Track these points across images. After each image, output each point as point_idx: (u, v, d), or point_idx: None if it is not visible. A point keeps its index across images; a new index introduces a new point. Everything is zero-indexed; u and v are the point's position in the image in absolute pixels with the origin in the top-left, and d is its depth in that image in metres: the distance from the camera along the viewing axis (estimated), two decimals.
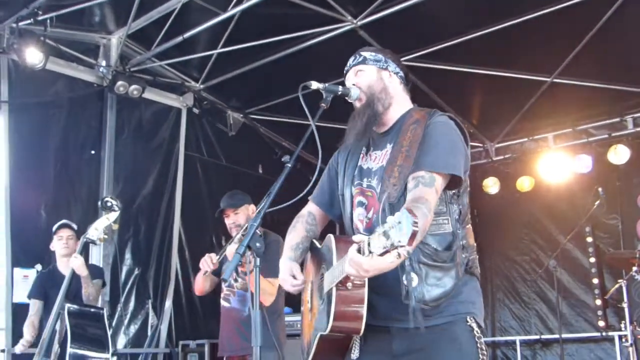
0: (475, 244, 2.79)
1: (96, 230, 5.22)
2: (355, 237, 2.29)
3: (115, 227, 5.36)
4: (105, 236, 5.31)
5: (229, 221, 5.12)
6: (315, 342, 2.74)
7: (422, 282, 2.56)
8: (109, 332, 5.30)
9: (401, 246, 2.00)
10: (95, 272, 5.65)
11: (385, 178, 2.67)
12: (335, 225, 3.33)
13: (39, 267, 6.50)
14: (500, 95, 7.63)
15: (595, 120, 8.11)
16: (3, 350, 6.15)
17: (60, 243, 5.58)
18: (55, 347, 5.05)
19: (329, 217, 3.12)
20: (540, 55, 6.82)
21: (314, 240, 3.03)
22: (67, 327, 4.94)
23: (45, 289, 5.51)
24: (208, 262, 4.94)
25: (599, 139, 8.12)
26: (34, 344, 5.33)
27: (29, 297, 5.65)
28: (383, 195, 2.62)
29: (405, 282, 2.52)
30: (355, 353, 2.77)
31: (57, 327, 5.07)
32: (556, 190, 8.37)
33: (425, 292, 2.56)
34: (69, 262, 5.26)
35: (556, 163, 8.27)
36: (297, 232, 3.02)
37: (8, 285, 6.33)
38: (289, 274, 2.85)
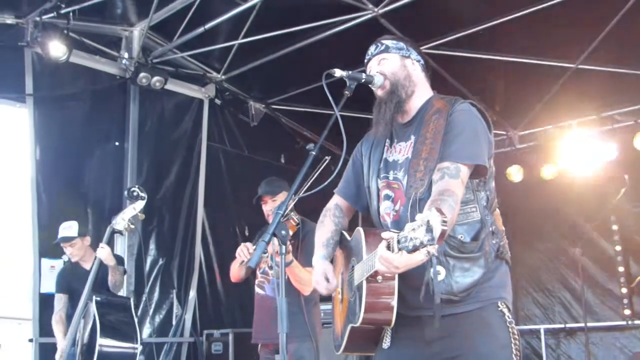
0: (504, 229, 2.79)
1: (123, 220, 5.26)
2: (384, 234, 2.30)
3: (142, 217, 5.38)
4: (132, 226, 5.34)
5: (266, 208, 5.12)
6: (347, 333, 2.79)
7: (449, 275, 2.59)
8: (137, 322, 5.34)
9: (431, 245, 2.02)
10: (117, 259, 5.72)
11: (411, 172, 2.68)
12: (358, 215, 3.34)
13: (65, 257, 6.56)
14: (524, 82, 7.56)
15: (620, 106, 8.01)
16: (31, 340, 6.22)
17: (68, 254, 5.64)
18: (79, 336, 5.10)
19: (355, 209, 3.13)
20: (564, 41, 6.73)
21: (343, 232, 3.05)
22: (96, 318, 4.99)
23: (68, 282, 5.57)
24: (245, 251, 4.96)
25: (624, 126, 8.02)
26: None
27: (56, 292, 5.71)
28: (410, 190, 2.63)
29: (431, 276, 2.50)
30: (386, 343, 2.81)
31: (84, 317, 5.14)
32: (581, 178, 8.28)
33: (453, 283, 2.60)
34: (96, 253, 5.29)
35: (581, 150, 8.19)
36: (326, 227, 3.05)
37: (35, 276, 6.40)
38: (323, 276, 2.88)
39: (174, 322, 7.62)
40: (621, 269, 8.01)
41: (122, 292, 5.82)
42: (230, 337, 7.23)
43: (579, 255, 7.61)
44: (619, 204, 7.66)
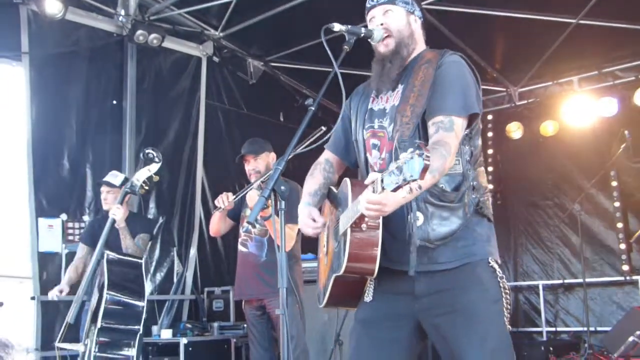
0: (487, 186, 2.81)
1: (137, 181, 5.29)
2: (368, 178, 2.31)
3: (156, 178, 5.40)
4: (147, 187, 5.36)
5: (248, 167, 5.21)
6: (331, 284, 2.80)
7: (427, 221, 2.62)
8: (146, 282, 5.39)
9: (413, 180, 2.03)
10: (143, 224, 5.76)
11: (397, 117, 2.70)
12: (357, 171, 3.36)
13: (64, 216, 6.61)
14: (524, 38, 7.51)
15: (621, 62, 8.00)
16: (33, 298, 6.29)
17: (103, 198, 5.68)
18: (95, 291, 5.18)
19: (345, 164, 3.14)
20: None
21: (332, 187, 3.07)
22: (105, 274, 5.04)
23: (93, 236, 5.58)
24: (224, 198, 5.05)
25: (625, 82, 8.02)
26: (70, 293, 5.45)
27: (80, 241, 5.83)
28: (395, 134, 2.64)
29: (410, 221, 2.57)
30: (368, 296, 2.84)
31: (98, 272, 5.21)
32: (581, 135, 8.30)
33: (430, 230, 2.63)
34: (110, 212, 5.34)
35: (581, 107, 8.18)
36: (315, 179, 3.06)
37: (33, 235, 6.41)
38: (309, 217, 2.88)
39: (175, 280, 7.67)
40: (620, 225, 8.07)
41: (142, 255, 5.88)
42: (231, 294, 7.29)
43: (578, 212, 7.65)
44: (618, 160, 7.68)
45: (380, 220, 2.57)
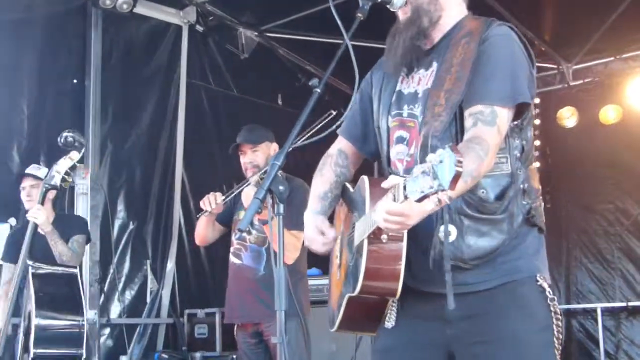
0: (540, 188, 2.76)
1: (58, 173, 5.26)
2: (386, 182, 2.28)
3: (81, 167, 5.39)
4: (70, 179, 5.36)
5: (244, 159, 5.20)
6: (344, 304, 2.78)
7: (460, 237, 2.57)
8: (84, 295, 5.42)
9: (441, 190, 1.98)
10: (75, 225, 5.78)
11: (429, 105, 2.63)
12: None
13: (12, 221, 6.61)
14: (580, 5, 7.49)
15: None
16: None
17: (24, 195, 5.68)
18: (26, 308, 5.19)
19: (363, 155, 3.10)
20: None
21: (347, 185, 3.03)
22: (32, 292, 5.07)
23: (18, 249, 5.57)
24: (211, 199, 5.04)
25: None
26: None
27: (2, 261, 5.81)
28: (425, 127, 2.58)
29: (440, 237, 2.52)
30: (390, 321, 2.81)
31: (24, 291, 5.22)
32: None
33: (464, 247, 2.58)
34: (27, 215, 5.33)
35: None
36: (324, 178, 3.02)
37: None
38: (317, 231, 2.85)
39: (148, 300, 7.71)
40: None
41: (84, 262, 5.84)
42: (217, 317, 7.30)
43: None
44: None
45: (405, 231, 2.50)
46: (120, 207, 7.59)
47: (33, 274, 5.12)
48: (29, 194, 5.66)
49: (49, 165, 6.67)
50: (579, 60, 8.77)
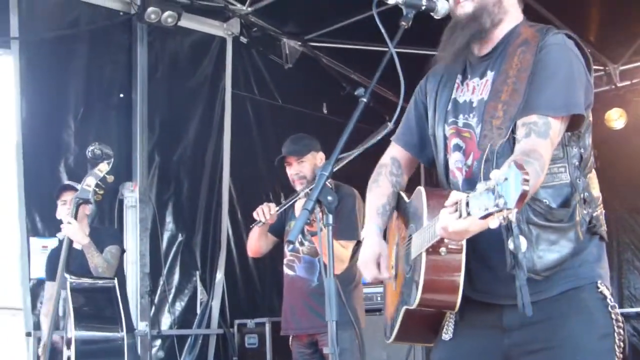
0: (600, 196, 2.71)
1: (88, 186, 5.24)
2: (450, 198, 2.25)
3: (111, 178, 5.39)
4: (101, 192, 5.36)
5: (291, 171, 5.16)
6: (400, 316, 2.76)
7: (531, 247, 2.52)
8: (122, 307, 5.40)
9: (507, 209, 1.96)
10: (109, 236, 5.78)
11: (486, 118, 2.61)
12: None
13: (61, 235, 6.67)
14: (625, 5, 7.39)
15: None
16: (29, 334, 6.37)
17: (64, 209, 5.66)
18: (67, 322, 5.21)
19: (417, 162, 3.08)
20: None
21: (401, 194, 3.00)
22: (70, 306, 5.07)
23: (57, 267, 5.59)
24: (265, 211, 5.00)
25: None
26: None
27: (46, 279, 5.85)
28: (485, 141, 2.57)
29: (511, 248, 2.42)
30: (448, 333, 2.79)
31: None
32: None
33: (535, 258, 2.53)
34: (63, 228, 5.34)
35: None
36: (381, 189, 2.99)
37: (24, 259, 6.50)
38: (374, 259, 2.82)
39: (198, 311, 7.73)
40: None
41: (134, 275, 5.86)
42: (267, 327, 7.32)
43: None
44: None
45: (464, 243, 2.51)
46: (169, 219, 7.64)
47: (71, 288, 5.11)
48: (70, 208, 5.69)
49: None
50: (625, 61, 8.67)
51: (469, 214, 2.12)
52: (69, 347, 5.06)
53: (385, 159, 3.07)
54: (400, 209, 2.99)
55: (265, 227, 5.20)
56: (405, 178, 3.06)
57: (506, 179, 1.95)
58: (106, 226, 6.95)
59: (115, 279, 5.41)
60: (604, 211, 2.73)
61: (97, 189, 5.26)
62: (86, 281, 5.29)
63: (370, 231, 2.88)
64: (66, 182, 5.82)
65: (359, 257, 2.89)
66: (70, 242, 5.30)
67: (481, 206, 2.03)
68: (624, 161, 8.72)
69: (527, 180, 1.91)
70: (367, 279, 2.89)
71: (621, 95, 8.79)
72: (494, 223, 2.04)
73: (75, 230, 5.28)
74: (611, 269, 8.04)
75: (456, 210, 2.19)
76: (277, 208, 5.07)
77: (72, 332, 5.00)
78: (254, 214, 5.09)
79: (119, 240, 5.87)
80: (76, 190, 5.56)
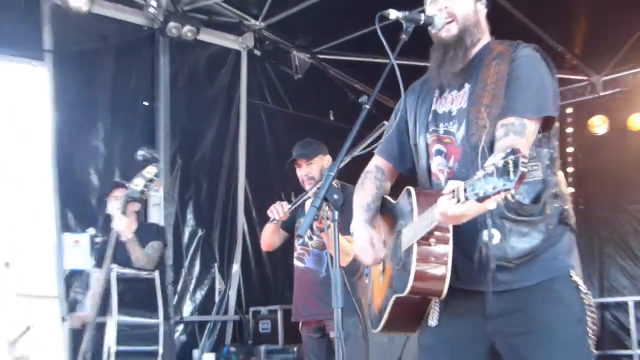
0: (568, 192, 2.79)
1: (136, 186, 5.28)
2: (448, 185, 2.28)
3: (158, 181, 5.42)
4: (148, 192, 5.37)
5: (300, 172, 5.18)
6: (390, 305, 2.78)
7: (504, 239, 2.60)
8: (161, 297, 5.41)
9: (506, 189, 2.00)
10: (152, 232, 5.81)
11: (472, 120, 2.68)
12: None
13: (91, 231, 6.68)
14: (609, 18, 7.33)
15: None
16: (64, 319, 6.38)
17: (117, 203, 5.64)
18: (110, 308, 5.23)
19: (398, 171, 3.13)
20: None
21: (386, 197, 3.04)
22: (114, 293, 5.11)
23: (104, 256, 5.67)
24: (279, 209, 5.00)
25: None
26: None
27: (93, 267, 5.91)
28: (473, 139, 2.65)
29: (485, 239, 2.54)
30: (434, 319, 2.81)
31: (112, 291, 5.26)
32: None
33: (508, 249, 2.61)
34: (112, 225, 5.37)
35: None
36: (367, 191, 3.04)
37: (58, 252, 6.54)
38: (369, 242, 2.85)
39: (217, 299, 7.76)
40: None
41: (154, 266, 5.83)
42: (279, 314, 7.35)
43: None
44: None
45: (451, 235, 2.55)
46: (190, 216, 7.66)
47: (117, 277, 5.17)
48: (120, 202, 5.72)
49: (125, 180, 6.78)
50: (607, 72, 8.65)
51: (466, 198, 2.15)
52: (110, 330, 5.11)
53: (370, 166, 3.13)
54: (385, 210, 3.02)
55: (278, 224, 5.21)
56: (388, 184, 3.11)
57: (505, 163, 2.00)
58: (152, 223, 7.05)
59: (157, 271, 5.47)
60: (572, 206, 2.82)
61: (145, 189, 5.29)
62: (130, 271, 5.34)
63: (358, 223, 2.95)
64: (117, 179, 5.83)
65: (354, 247, 2.92)
66: (118, 235, 5.35)
67: (480, 190, 2.07)
68: (606, 164, 8.70)
69: (525, 162, 1.98)
70: (366, 262, 2.92)
71: (604, 104, 8.77)
72: (492, 204, 2.10)
73: (122, 226, 5.33)
74: (593, 263, 8.03)
75: (454, 197, 2.22)
76: (289, 206, 5.05)
77: (115, 317, 5.06)
78: (268, 212, 5.09)
79: (160, 237, 5.90)
80: (126, 187, 5.60)
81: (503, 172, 2.00)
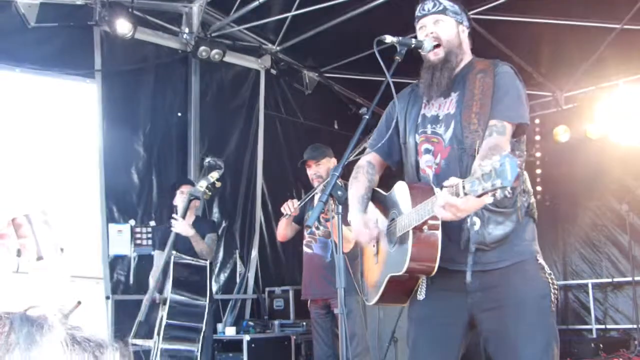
0: (532, 189, 2.83)
1: (201, 187, 5.29)
2: (447, 182, 2.30)
3: (219, 184, 5.44)
4: (210, 192, 5.39)
5: (310, 172, 5.20)
6: (385, 282, 2.79)
7: (483, 226, 2.63)
8: (209, 283, 5.43)
9: (503, 187, 2.03)
10: (208, 226, 5.79)
11: (464, 125, 2.69)
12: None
13: (132, 222, 6.74)
14: (569, 44, 7.35)
15: None
16: (108, 297, 6.42)
17: (182, 197, 5.69)
18: (167, 288, 5.26)
19: (386, 165, 3.12)
20: (609, 2, 6.53)
21: (377, 189, 3.04)
22: (171, 275, 5.12)
23: (166, 240, 5.69)
24: (290, 206, 5.04)
25: None
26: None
27: (155, 249, 5.93)
28: (467, 141, 2.66)
29: (468, 226, 2.57)
30: (421, 294, 2.83)
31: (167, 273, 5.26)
32: (627, 137, 8.09)
33: (486, 234, 2.64)
34: (174, 225, 5.33)
35: (627, 110, 7.97)
36: (360, 184, 3.03)
37: (104, 239, 6.59)
38: (364, 225, 2.85)
39: (238, 280, 7.74)
40: None
41: (212, 254, 5.86)
42: (291, 293, 7.33)
43: (626, 212, 7.46)
44: None
45: (440, 223, 2.56)
46: (215, 209, 7.64)
47: (175, 262, 5.17)
48: (185, 196, 5.74)
49: (160, 179, 6.86)
50: (569, 89, 8.61)
51: (465, 194, 2.18)
52: (164, 305, 5.13)
53: (362, 161, 3.10)
54: (376, 200, 3.01)
55: (290, 219, 5.23)
56: (377, 177, 3.10)
57: (502, 164, 2.02)
58: (206, 217, 7.02)
59: (209, 261, 5.46)
60: (534, 200, 2.85)
61: (207, 190, 5.30)
62: (187, 259, 5.32)
63: (355, 213, 2.93)
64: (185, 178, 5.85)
65: (352, 231, 2.91)
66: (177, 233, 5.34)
67: (478, 187, 2.09)
68: (568, 167, 8.65)
69: (520, 164, 2.03)
70: (364, 242, 2.93)
71: (565, 116, 8.71)
72: (489, 199, 2.15)
73: (182, 227, 5.30)
74: (557, 251, 8.01)
75: (453, 193, 2.25)
76: (299, 202, 5.09)
77: (169, 295, 5.07)
78: (282, 209, 5.12)
79: (215, 229, 5.92)
80: (192, 184, 5.71)
81: (500, 172, 2.02)
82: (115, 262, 6.64)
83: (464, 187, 2.19)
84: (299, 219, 5.34)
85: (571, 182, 8.66)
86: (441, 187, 2.33)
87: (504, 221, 2.66)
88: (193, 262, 5.35)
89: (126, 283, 6.59)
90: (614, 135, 8.21)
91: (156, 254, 5.87)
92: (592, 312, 8.33)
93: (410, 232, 2.59)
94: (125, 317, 6.25)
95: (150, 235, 6.76)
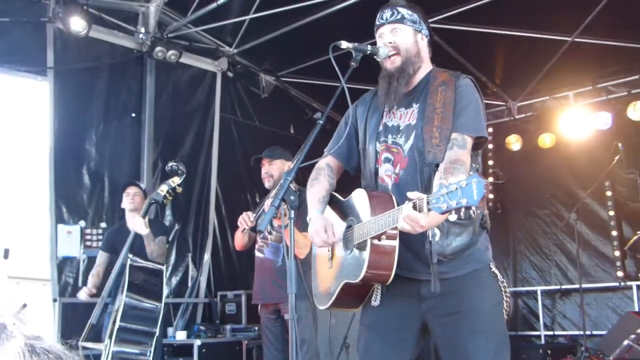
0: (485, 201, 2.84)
1: (162, 192, 5.26)
2: (411, 194, 2.31)
3: (180, 190, 5.38)
4: (170, 197, 5.33)
5: (263, 170, 5.19)
6: (339, 289, 2.79)
7: (443, 237, 2.64)
8: (164, 287, 5.37)
9: (468, 207, 2.04)
10: (159, 229, 5.72)
11: (426, 138, 2.69)
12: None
13: (82, 223, 6.63)
14: (523, 55, 7.51)
15: (614, 78, 7.96)
16: (55, 300, 6.30)
17: (127, 199, 5.66)
18: (121, 290, 5.18)
19: (343, 169, 3.12)
20: (561, 15, 6.67)
21: (334, 194, 3.04)
22: (126, 277, 5.05)
23: (113, 243, 5.64)
24: (246, 219, 5.01)
25: (618, 97, 7.97)
26: (95, 295, 5.49)
27: (100, 249, 5.85)
28: (429, 155, 2.65)
29: (429, 238, 2.57)
30: (376, 300, 2.84)
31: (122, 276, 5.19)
32: (576, 147, 8.26)
33: (445, 245, 2.65)
34: (130, 222, 5.31)
35: (577, 120, 8.15)
36: (321, 185, 3.03)
37: (52, 241, 6.46)
38: (322, 227, 2.83)
39: (189, 284, 7.66)
40: (614, 232, 8.01)
41: (163, 258, 5.78)
42: (243, 298, 7.29)
43: (574, 220, 7.61)
44: (612, 171, 7.63)
45: (398, 232, 2.56)
46: (168, 212, 7.54)
47: (130, 265, 5.10)
48: (132, 199, 5.67)
49: (112, 180, 6.77)
50: (522, 99, 8.76)
51: (429, 210, 2.21)
52: (117, 310, 5.04)
53: (322, 164, 3.09)
54: (334, 204, 3.01)
55: (247, 230, 5.21)
56: (335, 180, 3.09)
57: (468, 184, 2.03)
58: (157, 220, 6.90)
59: (165, 265, 5.42)
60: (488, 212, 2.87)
61: (167, 195, 5.27)
62: (142, 262, 5.26)
63: (314, 213, 2.92)
64: (131, 179, 5.80)
65: (309, 229, 2.88)
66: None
67: (442, 205, 2.10)
68: (519, 175, 8.80)
69: (488, 185, 2.02)
70: (317, 244, 2.89)
71: (518, 125, 8.87)
72: (452, 217, 2.14)
73: (139, 224, 5.27)
74: (507, 258, 8.15)
75: (415, 206, 2.28)
76: (255, 215, 5.07)
77: (123, 298, 4.99)
78: (238, 223, 5.09)
79: (166, 232, 5.84)
80: (138, 186, 5.70)
81: (466, 191, 2.04)
82: (64, 264, 6.51)
83: (428, 203, 2.20)
84: (255, 228, 5.32)
85: (522, 190, 8.81)
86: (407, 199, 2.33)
87: (462, 232, 2.68)
88: (149, 266, 5.30)
89: (74, 285, 6.45)
90: (564, 145, 8.39)
91: (100, 254, 5.81)
92: (541, 318, 8.47)
93: (369, 241, 2.60)
94: (72, 320, 6.15)
95: (100, 237, 6.65)
